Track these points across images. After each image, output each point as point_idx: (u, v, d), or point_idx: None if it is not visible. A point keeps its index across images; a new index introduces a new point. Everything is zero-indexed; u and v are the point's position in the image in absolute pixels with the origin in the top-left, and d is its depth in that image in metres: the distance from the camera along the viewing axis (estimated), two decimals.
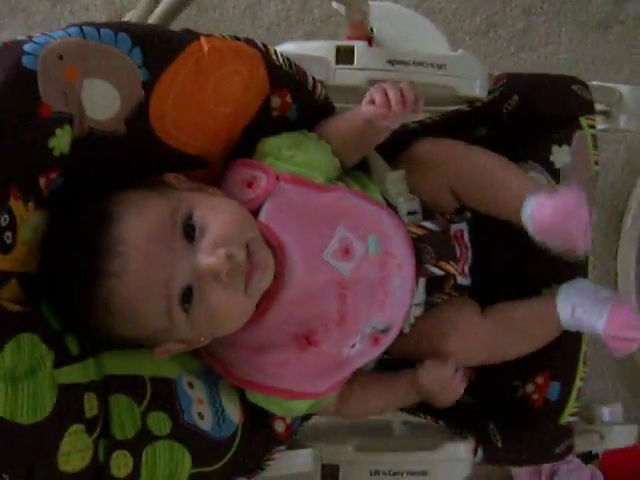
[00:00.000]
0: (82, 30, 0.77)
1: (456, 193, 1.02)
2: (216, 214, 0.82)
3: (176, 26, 0.88)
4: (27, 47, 0.74)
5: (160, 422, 0.84)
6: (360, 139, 0.95)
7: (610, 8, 1.53)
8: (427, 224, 0.99)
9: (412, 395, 1.01)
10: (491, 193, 1.00)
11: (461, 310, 1.03)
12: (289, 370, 0.90)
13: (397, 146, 1.03)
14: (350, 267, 0.90)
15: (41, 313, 0.79)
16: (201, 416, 0.88)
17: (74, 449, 0.75)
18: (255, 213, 0.88)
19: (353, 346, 0.91)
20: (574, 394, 1.04)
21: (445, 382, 0.98)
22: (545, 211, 0.91)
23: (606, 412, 1.18)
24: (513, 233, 1.01)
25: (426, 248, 0.98)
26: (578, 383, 1.04)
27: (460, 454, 1.00)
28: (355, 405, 1.00)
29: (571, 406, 1.04)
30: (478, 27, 1.52)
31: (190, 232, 0.80)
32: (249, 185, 0.90)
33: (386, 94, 0.88)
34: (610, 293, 1.01)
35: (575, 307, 0.99)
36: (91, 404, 0.79)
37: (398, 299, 0.94)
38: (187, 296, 0.80)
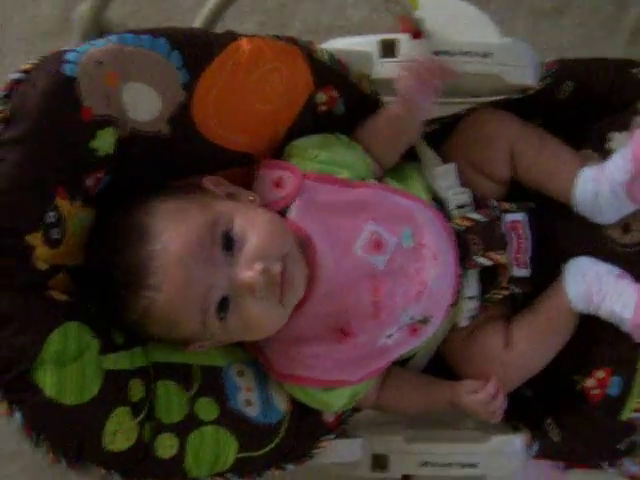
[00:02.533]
0: (122, 37, 0.82)
1: (517, 156, 1.02)
2: (255, 227, 0.84)
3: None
4: (69, 56, 0.79)
5: (207, 408, 0.88)
6: (396, 133, 0.96)
7: None
8: (473, 215, 0.98)
9: (447, 407, 1.00)
10: (546, 158, 1.01)
11: (484, 345, 1.02)
12: (324, 361, 0.91)
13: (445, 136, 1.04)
14: (384, 259, 0.91)
15: (88, 304, 0.84)
16: (248, 403, 0.91)
17: (119, 430, 0.81)
18: (284, 211, 0.90)
19: (390, 336, 0.92)
20: (636, 389, 0.99)
21: (483, 405, 0.97)
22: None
23: None
24: (575, 222, 1.02)
25: (473, 239, 0.97)
26: None
27: (511, 447, 0.99)
28: (388, 403, 1.01)
29: (633, 401, 1.00)
30: None
31: (229, 244, 0.83)
32: (277, 184, 0.92)
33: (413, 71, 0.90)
34: (617, 270, 0.99)
35: (592, 295, 0.97)
36: (137, 389, 0.84)
37: (436, 290, 0.94)
38: (223, 306, 0.83)
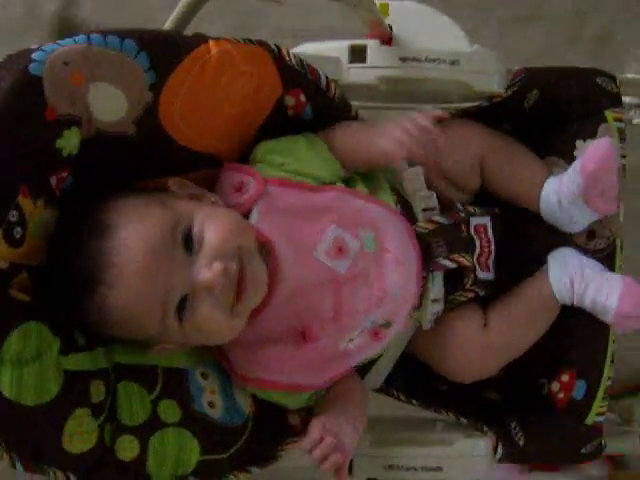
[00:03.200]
0: (89, 37, 0.82)
1: (485, 167, 1.04)
2: (213, 225, 0.84)
3: None
4: (35, 55, 0.79)
5: (170, 410, 0.88)
6: (369, 163, 0.98)
7: (528, 4, 1.50)
8: (438, 218, 0.99)
9: None
10: (514, 169, 1.03)
11: (462, 327, 1.03)
12: (287, 364, 0.92)
13: None
14: (346, 264, 0.91)
15: (50, 304, 0.84)
16: (212, 405, 0.91)
17: (78, 431, 0.80)
18: (245, 216, 0.90)
19: (351, 340, 0.93)
20: (601, 393, 1.01)
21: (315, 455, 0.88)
22: (591, 156, 0.96)
23: None
24: (540, 228, 1.04)
25: (437, 242, 0.98)
26: (605, 382, 1.01)
27: (476, 451, 0.99)
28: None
29: (598, 405, 1.01)
30: None
31: (189, 244, 0.83)
32: (238, 189, 0.92)
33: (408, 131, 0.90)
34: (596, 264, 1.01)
35: (574, 283, 0.99)
36: (98, 390, 0.83)
37: (398, 294, 0.94)
38: (182, 305, 0.83)
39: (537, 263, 1.04)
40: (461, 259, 0.99)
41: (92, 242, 0.81)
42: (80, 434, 0.80)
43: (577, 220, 1.01)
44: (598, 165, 0.95)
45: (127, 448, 0.84)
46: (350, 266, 0.91)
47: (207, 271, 0.82)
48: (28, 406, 0.77)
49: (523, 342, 1.03)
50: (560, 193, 0.99)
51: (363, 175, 1.00)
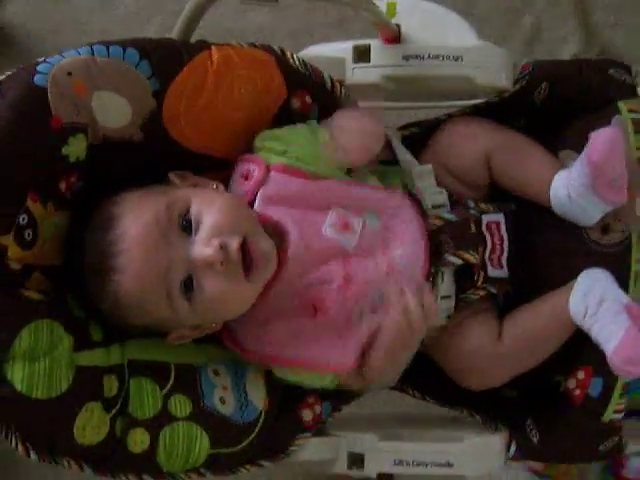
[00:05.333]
0: (92, 48, 0.86)
1: (492, 164, 1.03)
2: (212, 207, 0.87)
3: None
4: (40, 67, 0.84)
5: (181, 405, 0.91)
6: None
7: (460, 2, 1.47)
8: (445, 215, 1.00)
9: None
10: (523, 165, 1.02)
11: (474, 335, 1.02)
12: (301, 339, 0.93)
13: (426, 140, 1.05)
14: (353, 239, 0.93)
15: (65, 302, 0.89)
16: (222, 401, 0.94)
17: (89, 424, 0.84)
18: (252, 204, 0.93)
19: (361, 314, 0.94)
20: (618, 390, 0.99)
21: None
22: (595, 145, 0.94)
23: None
24: (554, 223, 1.03)
25: (444, 238, 0.99)
26: (622, 379, 0.99)
27: (487, 447, 0.99)
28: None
29: (615, 403, 0.99)
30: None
31: (187, 226, 0.86)
32: (245, 178, 0.95)
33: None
34: (625, 299, 0.96)
35: (586, 315, 0.96)
36: (111, 385, 0.87)
37: (404, 270, 0.95)
38: (188, 286, 0.86)
39: (553, 260, 1.03)
40: (467, 256, 0.99)
41: (101, 234, 0.86)
42: (91, 427, 0.84)
43: (589, 213, 0.99)
44: (602, 154, 0.93)
45: (138, 441, 0.87)
46: (357, 241, 0.93)
47: (204, 248, 0.85)
48: (40, 399, 0.81)
49: (533, 357, 1.02)
50: (569, 186, 0.98)
51: (374, 170, 1.02)
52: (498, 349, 1.02)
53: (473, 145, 1.03)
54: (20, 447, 0.81)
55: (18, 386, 0.80)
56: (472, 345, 1.02)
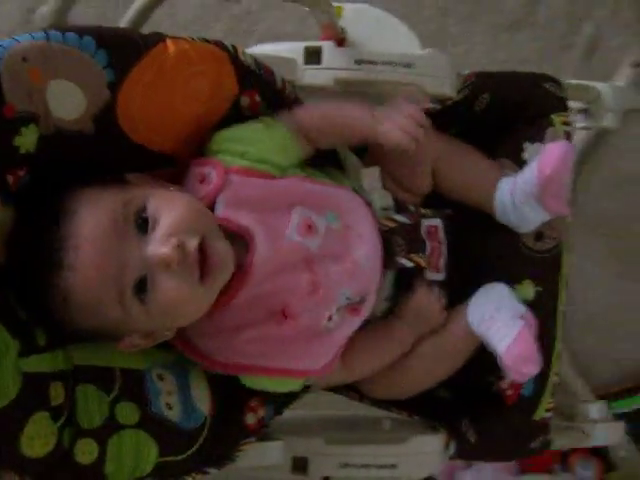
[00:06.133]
0: (47, 34, 0.81)
1: (435, 173, 1.05)
2: (169, 206, 0.83)
3: None
4: None
5: (128, 412, 0.87)
6: (342, 139, 1.00)
7: (521, 10, 1.54)
8: (398, 217, 1.01)
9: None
10: (467, 172, 1.05)
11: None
12: (272, 347, 0.92)
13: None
14: (316, 242, 0.92)
15: (9, 304, 0.82)
16: (169, 407, 0.90)
17: (37, 435, 0.78)
18: (211, 209, 0.90)
19: (330, 318, 0.93)
20: (549, 390, 1.04)
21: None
22: (549, 159, 0.98)
23: (593, 409, 1.19)
24: (490, 229, 1.07)
25: (397, 240, 1.00)
26: (553, 379, 1.04)
27: (429, 448, 1.01)
28: (360, 365, 1.02)
29: (546, 402, 1.04)
30: None
31: (143, 224, 0.82)
32: (201, 181, 0.92)
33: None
34: (524, 312, 1.01)
35: (482, 322, 1.00)
36: (57, 392, 0.82)
37: (367, 268, 0.96)
38: (142, 286, 0.81)
39: (487, 264, 1.07)
40: (419, 259, 1.01)
41: (52, 229, 0.80)
42: (39, 438, 0.78)
43: (529, 220, 1.03)
44: (554, 168, 0.97)
45: (86, 451, 0.83)
46: (321, 244, 0.92)
47: (161, 246, 0.81)
48: None
49: (440, 369, 1.05)
50: (514, 194, 1.01)
51: (321, 169, 1.01)
52: (406, 362, 1.04)
53: (418, 151, 1.01)
54: None
55: None
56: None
